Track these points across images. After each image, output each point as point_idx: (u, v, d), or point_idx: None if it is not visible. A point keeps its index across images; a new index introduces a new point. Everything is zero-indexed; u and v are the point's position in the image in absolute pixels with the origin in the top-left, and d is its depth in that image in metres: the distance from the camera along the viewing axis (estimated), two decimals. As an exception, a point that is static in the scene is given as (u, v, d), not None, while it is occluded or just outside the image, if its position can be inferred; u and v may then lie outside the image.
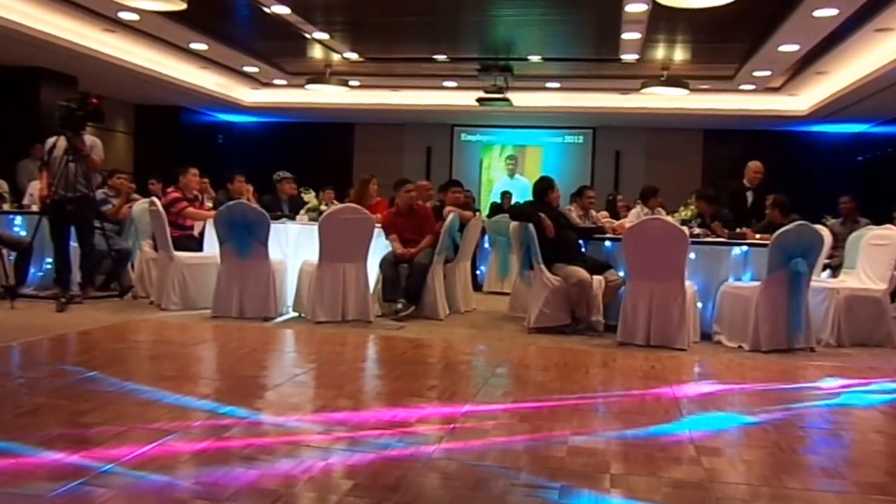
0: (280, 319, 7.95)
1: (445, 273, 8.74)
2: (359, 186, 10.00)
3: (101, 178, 10.16)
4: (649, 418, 4.50)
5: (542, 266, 7.66)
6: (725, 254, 7.72)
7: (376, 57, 14.96)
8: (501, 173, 20.90)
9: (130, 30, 12.86)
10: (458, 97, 17.35)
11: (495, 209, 14.18)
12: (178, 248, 8.49)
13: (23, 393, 4.73)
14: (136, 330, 7.17)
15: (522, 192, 16.61)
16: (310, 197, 9.21)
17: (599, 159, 20.29)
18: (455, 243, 8.87)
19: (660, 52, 13.62)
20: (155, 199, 8.96)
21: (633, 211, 10.94)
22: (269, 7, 11.46)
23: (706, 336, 7.48)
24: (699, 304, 7.52)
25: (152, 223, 8.82)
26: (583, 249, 8.10)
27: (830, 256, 8.73)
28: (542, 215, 7.77)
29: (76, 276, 8.67)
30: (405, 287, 8.26)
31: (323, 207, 8.93)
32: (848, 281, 8.15)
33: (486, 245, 12.03)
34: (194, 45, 14.09)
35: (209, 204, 9.73)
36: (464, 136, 21.06)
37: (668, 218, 8.30)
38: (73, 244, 8.65)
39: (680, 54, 13.84)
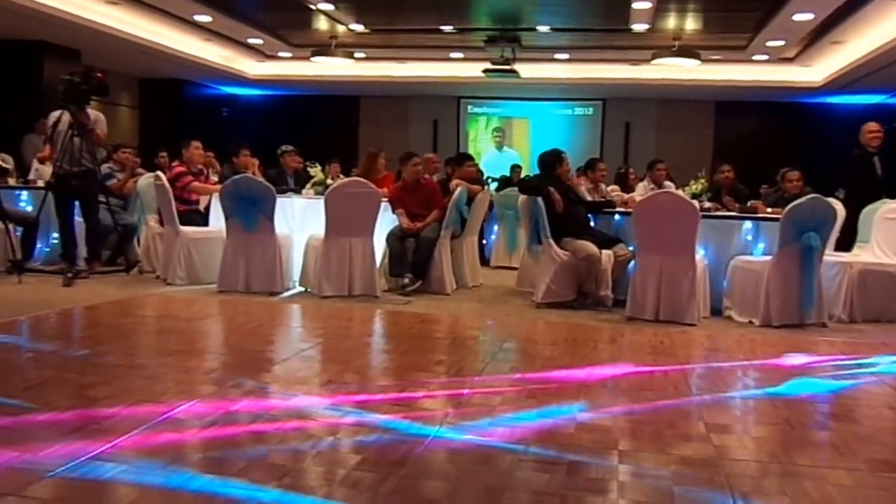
0: (286, 294, 7.99)
1: (453, 247, 8.74)
2: (366, 160, 9.99)
3: (106, 152, 10.19)
4: (658, 394, 4.52)
5: (551, 240, 7.67)
6: (736, 228, 7.72)
7: (382, 28, 14.90)
8: (489, 145, 20.91)
9: (134, 2, 12.83)
10: (465, 69, 17.31)
11: (504, 182, 14.16)
12: (183, 223, 8.50)
13: (30, 367, 4.79)
14: (143, 304, 7.22)
15: (509, 165, 16.60)
16: (315, 171, 9.22)
17: (609, 131, 20.27)
18: (462, 217, 8.86)
19: (671, 22, 13.53)
20: (160, 173, 8.97)
21: (640, 185, 10.92)
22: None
23: (716, 311, 7.48)
24: (709, 279, 7.52)
25: (157, 198, 8.83)
26: (592, 224, 8.10)
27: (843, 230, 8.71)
28: (551, 189, 7.77)
29: (82, 250, 8.72)
30: (412, 262, 8.27)
31: (329, 181, 8.93)
32: (861, 255, 8.13)
33: (494, 219, 12.03)
34: (198, 17, 14.04)
35: (214, 178, 9.75)
36: (471, 109, 21.03)
37: (679, 192, 8.30)
38: (79, 219, 8.68)
39: (691, 24, 13.75)
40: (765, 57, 15.60)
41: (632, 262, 7.43)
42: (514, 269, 9.93)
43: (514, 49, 15.04)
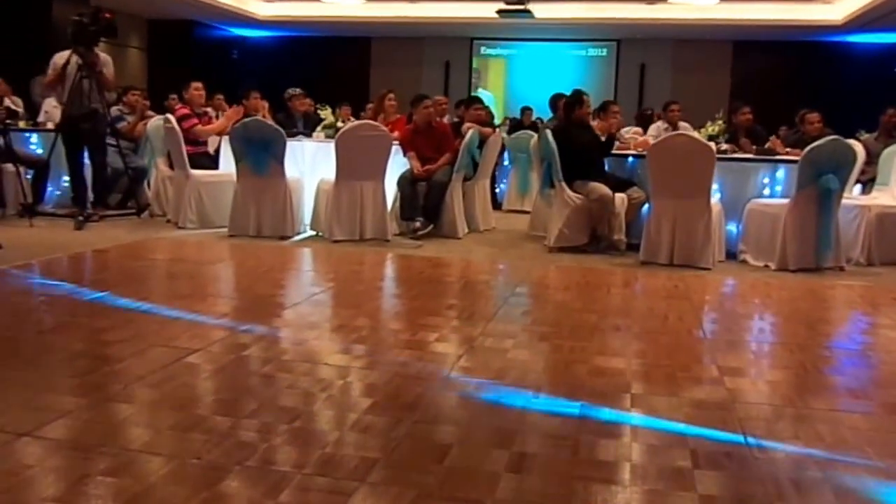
0: (297, 238, 8.00)
1: (464, 191, 8.72)
2: (376, 102, 9.96)
3: (116, 95, 10.15)
4: (671, 338, 4.53)
5: (563, 183, 7.64)
6: (753, 170, 7.67)
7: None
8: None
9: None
10: (478, 9, 17.14)
11: (515, 125, 14.08)
12: (193, 166, 8.48)
13: (43, 310, 4.84)
14: (154, 248, 7.24)
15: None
16: (326, 114, 9.17)
17: (623, 73, 20.07)
18: (474, 161, 8.83)
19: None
20: (170, 115, 8.94)
21: (654, 126, 10.83)
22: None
23: (732, 255, 7.46)
24: (725, 222, 7.49)
25: (167, 140, 8.80)
26: (606, 167, 8.06)
27: (863, 172, 8.65)
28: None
29: (91, 194, 8.72)
30: (423, 205, 8.26)
31: (339, 124, 8.90)
32: (880, 198, 8.07)
33: (506, 162, 11.98)
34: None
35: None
36: (484, 50, 20.87)
37: (695, 133, 8.24)
38: (87, 161, 8.66)
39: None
40: (784, -6, 15.40)
41: (646, 206, 7.41)
42: (527, 212, 9.92)
43: (529, -13, 14.90)
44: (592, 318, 4.91)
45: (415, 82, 18.98)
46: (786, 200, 7.10)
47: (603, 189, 7.47)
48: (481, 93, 19.67)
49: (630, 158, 8.16)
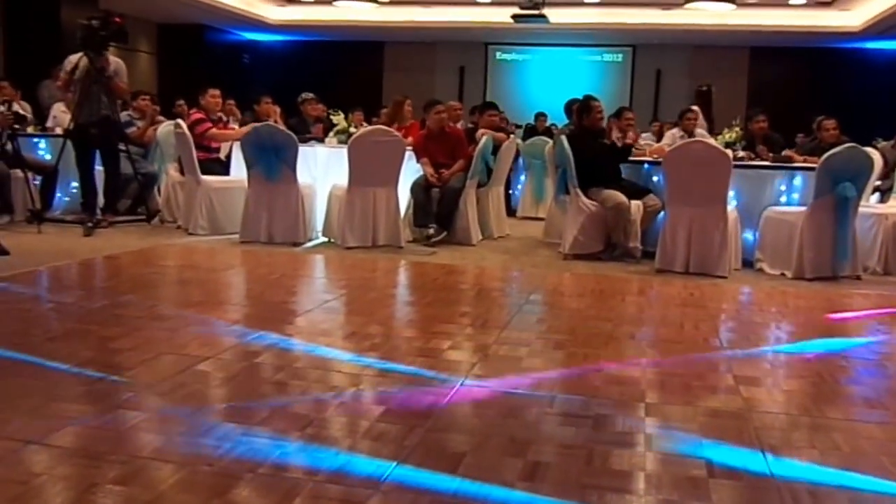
0: (309, 245, 8.02)
1: (478, 198, 8.73)
2: (392, 108, 9.97)
3: (125, 99, 10.19)
4: (687, 346, 4.54)
5: (579, 190, 7.64)
6: (770, 178, 7.67)
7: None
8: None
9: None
10: (493, 14, 17.19)
11: (529, 131, 14.10)
12: (204, 172, 8.50)
13: (52, 318, 4.85)
14: (164, 255, 7.28)
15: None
16: (339, 119, 9.19)
17: (639, 79, 20.08)
18: (488, 167, 8.83)
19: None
20: (180, 121, 8.98)
21: (670, 133, 10.82)
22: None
23: (748, 263, 7.45)
24: (741, 230, 7.49)
25: (178, 146, 8.83)
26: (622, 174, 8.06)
27: (881, 179, 8.64)
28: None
29: (102, 200, 8.73)
30: (437, 212, 8.26)
31: (352, 130, 8.92)
32: (897, 206, 8.07)
33: (521, 169, 12.00)
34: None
35: (235, 126, 9.73)
36: (498, 55, 20.89)
37: (711, 140, 8.24)
38: (99, 168, 8.69)
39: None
40: (802, 0, 15.37)
41: (661, 213, 7.41)
42: (541, 219, 9.93)
43: (544, -9, 14.91)
44: (607, 327, 4.92)
45: (428, 87, 18.97)
46: (802, 208, 7.09)
47: (619, 197, 7.47)
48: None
49: (646, 165, 8.16)
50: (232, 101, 10.77)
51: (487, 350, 4.26)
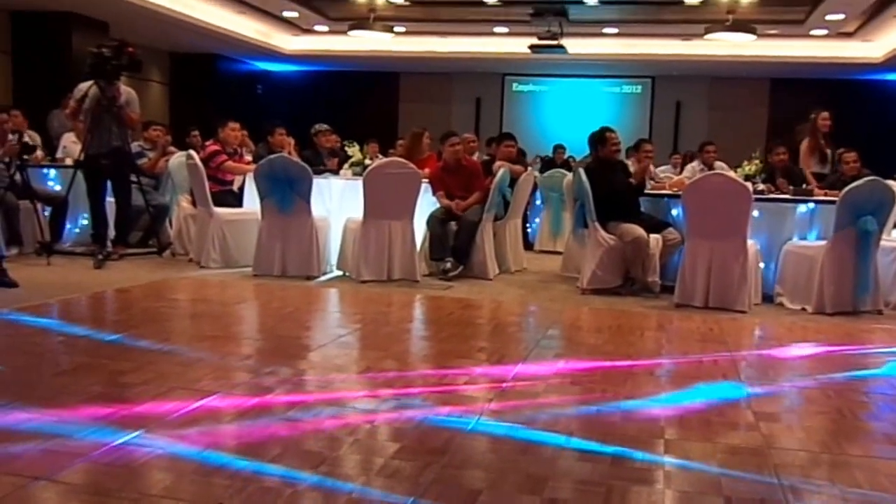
0: (323, 278, 8.05)
1: (495, 231, 8.75)
2: (410, 139, 9.99)
3: (136, 129, 10.23)
4: (706, 382, 4.54)
5: (597, 224, 7.66)
6: (790, 211, 7.68)
7: (423, 0, 14.87)
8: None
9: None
10: (510, 44, 17.26)
11: (547, 164, 14.14)
12: (216, 204, 8.53)
13: (61, 351, 4.88)
14: (176, 288, 7.32)
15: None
16: (353, 150, 9.23)
17: (658, 110, 20.15)
18: (505, 200, 8.86)
19: (725, -6, 13.41)
20: (192, 152, 9.02)
21: (689, 166, 10.88)
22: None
23: (768, 298, 7.44)
24: (761, 265, 7.49)
25: (190, 177, 8.88)
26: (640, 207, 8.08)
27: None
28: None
29: (113, 232, 8.76)
30: (453, 245, 8.27)
31: (367, 161, 8.97)
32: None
33: (538, 202, 12.02)
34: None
35: (248, 157, 9.77)
36: (515, 87, 21.00)
37: (731, 173, 8.27)
38: (110, 199, 8.73)
39: (747, -4, 13.63)
40: (823, 31, 15.43)
41: (681, 247, 7.42)
42: (559, 253, 9.94)
43: (562, 23, 14.96)
44: (625, 362, 4.93)
45: (444, 119, 19.08)
46: (823, 242, 7.10)
47: (638, 231, 7.49)
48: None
49: (665, 199, 8.18)
50: (245, 132, 10.84)
51: (504, 385, 4.27)
